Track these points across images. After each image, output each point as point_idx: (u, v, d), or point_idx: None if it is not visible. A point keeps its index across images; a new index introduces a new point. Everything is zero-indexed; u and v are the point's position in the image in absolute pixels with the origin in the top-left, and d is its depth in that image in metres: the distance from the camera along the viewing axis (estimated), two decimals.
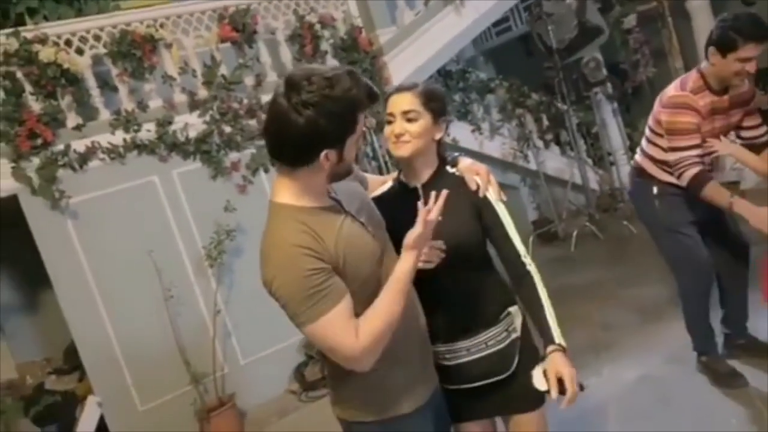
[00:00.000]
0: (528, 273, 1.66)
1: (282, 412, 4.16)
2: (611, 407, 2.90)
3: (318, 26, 4.69)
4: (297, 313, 1.32)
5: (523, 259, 1.67)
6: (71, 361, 4.68)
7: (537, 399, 1.70)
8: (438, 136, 1.72)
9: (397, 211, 1.60)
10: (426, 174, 1.72)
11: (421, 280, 1.55)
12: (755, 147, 2.63)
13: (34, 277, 4.77)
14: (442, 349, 1.70)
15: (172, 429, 4.05)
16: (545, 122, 6.20)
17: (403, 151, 1.66)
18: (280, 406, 4.25)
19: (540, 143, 6.10)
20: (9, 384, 4.14)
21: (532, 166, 5.91)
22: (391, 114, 1.68)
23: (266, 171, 4.48)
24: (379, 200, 1.72)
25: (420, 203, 1.44)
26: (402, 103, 1.66)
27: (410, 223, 1.46)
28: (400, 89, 1.71)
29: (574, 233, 5.46)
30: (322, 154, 1.33)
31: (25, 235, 4.09)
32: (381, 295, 1.39)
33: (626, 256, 4.93)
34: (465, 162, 1.77)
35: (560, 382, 1.51)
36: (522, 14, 6.58)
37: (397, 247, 1.51)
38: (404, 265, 1.41)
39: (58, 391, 4.34)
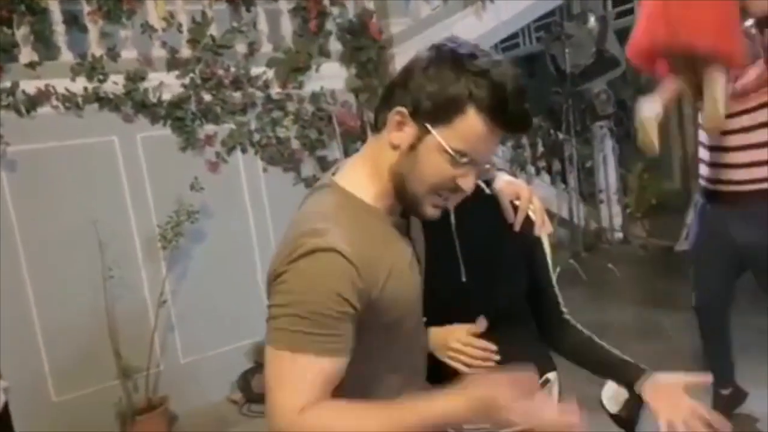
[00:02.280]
0: (567, 320, 1.41)
1: (220, 423, 3.67)
2: None
3: (327, 2, 4.19)
4: (277, 326, 0.94)
5: (562, 307, 1.41)
6: None
7: None
8: None
9: (425, 236, 1.24)
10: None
11: None
12: None
13: None
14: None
15: (87, 426, 3.49)
16: (540, 148, 5.82)
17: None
18: (218, 415, 3.75)
19: (532, 169, 5.71)
20: None
21: None
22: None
23: (243, 151, 3.94)
24: None
25: None
26: None
27: (439, 252, 1.25)
28: None
29: (557, 270, 5.06)
30: (395, 112, 0.98)
31: None
32: (374, 410, 0.95)
33: (611, 304, 4.58)
34: (501, 180, 1.35)
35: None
36: (532, 33, 6.21)
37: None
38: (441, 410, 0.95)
39: None
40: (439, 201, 1.03)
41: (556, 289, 1.40)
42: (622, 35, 5.44)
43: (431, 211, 1.03)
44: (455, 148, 0.96)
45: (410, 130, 0.98)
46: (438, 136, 0.96)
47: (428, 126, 0.96)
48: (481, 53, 1.01)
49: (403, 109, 0.97)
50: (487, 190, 1.35)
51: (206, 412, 3.76)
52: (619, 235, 5.63)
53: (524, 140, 5.59)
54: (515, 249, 1.34)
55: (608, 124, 5.51)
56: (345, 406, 0.94)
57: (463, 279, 1.31)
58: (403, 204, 1.04)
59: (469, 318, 1.29)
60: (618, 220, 5.71)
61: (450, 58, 0.99)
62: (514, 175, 4.79)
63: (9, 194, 3.38)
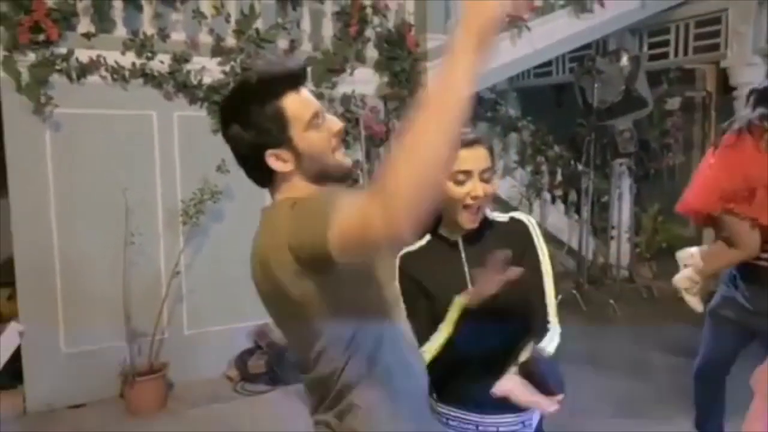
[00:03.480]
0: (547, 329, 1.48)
1: (212, 397, 3.79)
2: None
3: (369, 10, 4.33)
4: (310, 231, 1.03)
5: (549, 317, 1.49)
6: (5, 276, 4.21)
7: None
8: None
9: (435, 266, 1.43)
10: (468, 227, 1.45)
11: (458, 344, 1.38)
12: None
13: None
14: (454, 412, 1.48)
15: (92, 382, 3.66)
16: (559, 177, 5.88)
17: (474, 223, 1.43)
18: (212, 389, 3.87)
19: (548, 196, 5.77)
20: None
21: (534, 217, 5.57)
22: (466, 172, 1.38)
23: None
24: (414, 255, 1.48)
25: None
26: (479, 160, 1.40)
27: (450, 280, 1.35)
28: (474, 143, 1.39)
29: (559, 297, 5.12)
30: (268, 158, 1.18)
31: None
32: (423, 103, 0.88)
33: (606, 339, 4.60)
34: None
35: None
36: (566, 64, 6.27)
37: (434, 304, 1.34)
38: (464, 54, 0.87)
39: None
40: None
41: (548, 293, 1.49)
42: (654, 77, 5.52)
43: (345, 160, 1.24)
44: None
45: (286, 154, 1.18)
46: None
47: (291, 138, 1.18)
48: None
49: (272, 151, 1.17)
50: (498, 218, 1.50)
51: (202, 384, 3.89)
52: (625, 273, 5.64)
53: (543, 167, 5.65)
54: (515, 251, 1.41)
55: (628, 162, 5.54)
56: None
57: None
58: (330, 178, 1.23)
59: (473, 328, 1.39)
60: (626, 259, 5.73)
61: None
62: (528, 200, 4.87)
63: (50, 152, 3.57)
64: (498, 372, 1.39)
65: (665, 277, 5.55)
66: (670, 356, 3.93)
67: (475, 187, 1.38)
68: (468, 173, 1.38)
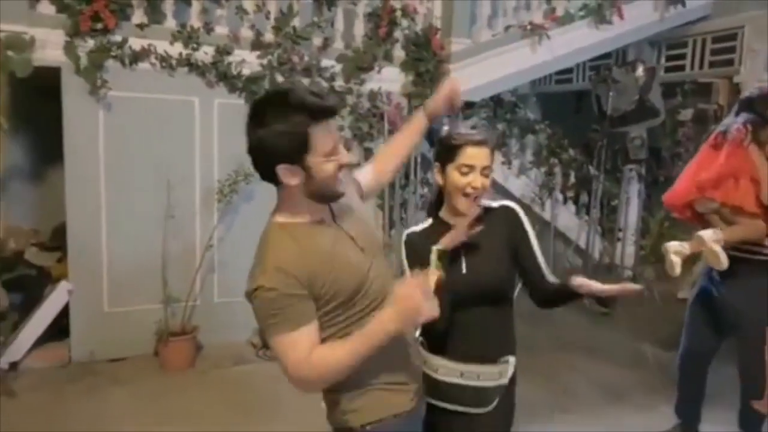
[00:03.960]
0: (546, 280, 1.70)
1: (236, 360, 4.09)
2: None
3: (399, 13, 4.54)
4: (262, 325, 1.37)
5: (544, 274, 1.70)
6: (56, 241, 4.55)
7: None
8: None
9: (435, 245, 1.61)
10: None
11: (455, 307, 1.61)
12: None
13: (45, 151, 4.65)
14: (441, 362, 1.70)
15: (130, 338, 3.98)
16: (572, 179, 6.05)
17: (471, 209, 1.65)
18: (236, 353, 4.16)
19: (560, 197, 5.95)
20: None
21: (546, 215, 5.76)
22: (470, 166, 1.63)
23: None
24: (418, 235, 1.74)
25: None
26: (483, 158, 1.65)
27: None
28: (476, 143, 1.65)
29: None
30: (279, 170, 1.33)
31: (49, 109, 3.96)
32: (353, 339, 1.34)
33: (602, 332, 4.79)
34: None
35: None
36: (586, 72, 6.41)
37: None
38: (389, 327, 1.31)
39: (35, 265, 4.20)
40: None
41: (541, 264, 1.71)
42: (669, 88, 5.65)
43: (341, 185, 1.40)
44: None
45: (297, 171, 1.34)
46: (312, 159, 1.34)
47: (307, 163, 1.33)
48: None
49: (284, 166, 1.33)
50: (495, 205, 1.74)
51: (227, 347, 4.17)
52: (629, 273, 5.80)
53: (557, 169, 5.83)
54: (504, 246, 1.70)
55: (638, 168, 5.69)
56: (331, 344, 1.36)
57: (463, 272, 1.67)
58: (324, 199, 1.42)
59: (469, 299, 1.65)
60: (630, 260, 5.88)
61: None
62: (540, 199, 5.07)
63: (102, 129, 3.87)
64: (478, 331, 1.67)
65: (666, 280, 5.71)
66: (664, 351, 4.10)
67: (475, 180, 1.62)
68: (471, 167, 1.62)
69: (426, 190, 4.79)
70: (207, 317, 4.14)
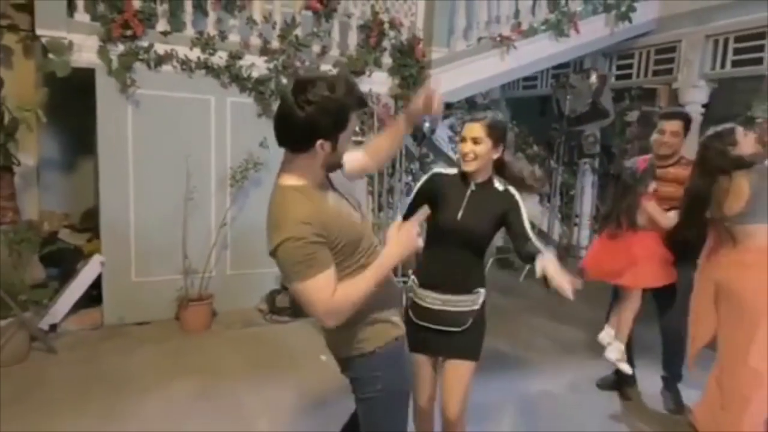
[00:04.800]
0: (530, 242, 2.04)
1: (247, 323, 4.50)
2: (511, 408, 3.33)
3: (387, 25, 4.99)
4: (290, 273, 1.51)
5: (528, 235, 2.06)
6: (86, 223, 4.95)
7: (473, 354, 2.16)
8: (495, 156, 2.11)
9: (449, 189, 2.09)
10: (479, 179, 2.13)
11: (441, 243, 2.04)
12: None
13: (75, 145, 5.04)
14: (428, 293, 2.13)
15: (154, 303, 4.36)
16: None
17: (468, 167, 2.08)
18: (246, 317, 4.58)
19: None
20: (29, 224, 4.37)
21: None
22: (464, 137, 2.08)
23: None
24: (441, 176, 2.16)
25: None
26: (472, 130, 2.07)
27: (451, 202, 2.05)
28: (473, 120, 2.10)
29: (527, 267, 5.91)
30: (318, 143, 1.50)
31: (78, 107, 4.30)
32: (366, 273, 1.59)
33: (563, 300, 5.35)
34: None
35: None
36: (549, 79, 6.98)
37: (434, 209, 2.01)
38: (392, 257, 1.62)
39: (69, 244, 4.59)
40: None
41: (527, 228, 2.07)
42: (619, 93, 6.26)
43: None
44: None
45: (328, 147, 1.54)
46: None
47: (338, 140, 1.56)
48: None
49: (323, 141, 1.52)
50: (500, 187, 2.13)
51: (238, 313, 4.61)
52: (585, 252, 6.43)
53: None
54: (495, 213, 2.10)
55: (592, 162, 6.30)
56: (350, 281, 1.58)
57: (458, 217, 2.09)
58: (332, 168, 1.66)
59: (455, 239, 2.08)
60: (585, 242, 6.51)
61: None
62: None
63: (131, 123, 4.25)
64: (459, 270, 2.12)
65: None
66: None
67: (465, 146, 2.08)
68: (464, 138, 2.09)
69: (410, 178, 5.30)
70: (221, 287, 4.56)
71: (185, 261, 4.36)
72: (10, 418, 2.93)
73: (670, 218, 3.04)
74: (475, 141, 2.06)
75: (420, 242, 1.66)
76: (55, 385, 3.37)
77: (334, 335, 1.73)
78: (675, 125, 3.14)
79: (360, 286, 1.57)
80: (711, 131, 2.82)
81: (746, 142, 2.68)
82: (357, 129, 4.95)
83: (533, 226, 6.48)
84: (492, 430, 3.02)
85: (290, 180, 1.58)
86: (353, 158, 1.85)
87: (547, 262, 1.86)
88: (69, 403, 3.14)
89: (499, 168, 2.16)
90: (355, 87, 1.56)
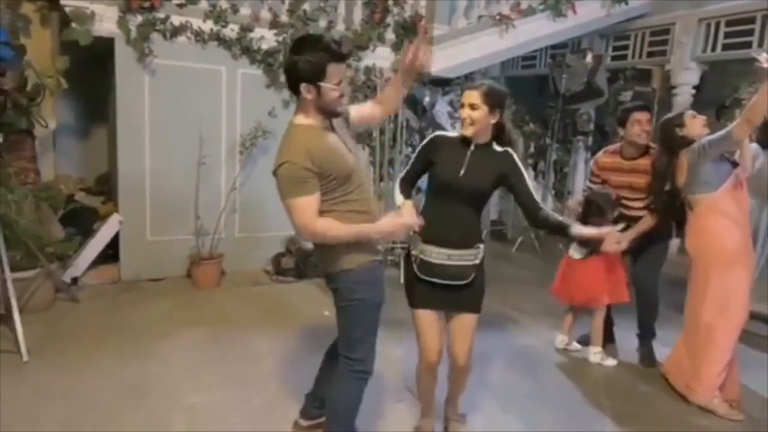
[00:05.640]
0: (538, 207, 2.19)
1: (254, 282, 4.74)
2: (499, 358, 3.58)
3: (391, 1, 5.14)
4: (285, 190, 1.84)
5: (536, 199, 2.21)
6: (100, 186, 5.16)
7: (477, 307, 2.29)
8: (493, 121, 2.19)
9: (450, 150, 2.21)
10: (480, 141, 2.24)
11: (445, 200, 2.17)
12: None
13: (92, 112, 5.22)
14: (434, 249, 2.21)
15: (168, 261, 4.59)
16: (531, 149, 6.82)
17: (467, 131, 2.19)
18: (253, 277, 4.82)
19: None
20: (47, 185, 4.55)
21: None
22: (462, 104, 2.21)
23: None
24: (443, 138, 2.27)
25: None
26: (470, 97, 2.16)
27: (452, 162, 2.18)
28: (470, 87, 2.19)
29: (519, 239, 6.14)
30: (302, 86, 1.83)
31: (96, 76, 4.46)
32: (355, 226, 1.92)
33: (551, 270, 5.55)
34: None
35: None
36: (548, 58, 7.09)
37: (433, 170, 2.22)
38: (377, 233, 1.98)
39: (85, 205, 4.80)
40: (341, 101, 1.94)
41: (532, 190, 2.16)
42: (614, 73, 6.40)
43: (340, 107, 1.96)
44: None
45: (312, 90, 1.85)
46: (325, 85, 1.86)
47: (320, 85, 1.85)
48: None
49: (305, 84, 1.84)
50: (499, 149, 2.20)
51: (246, 273, 4.85)
52: None
53: (520, 141, 6.58)
54: (494, 172, 2.17)
55: (585, 139, 6.47)
56: (333, 221, 1.89)
57: (461, 174, 2.16)
58: (327, 114, 1.94)
59: (458, 196, 2.15)
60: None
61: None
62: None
63: (148, 90, 4.43)
64: (461, 225, 2.20)
65: None
66: None
67: (464, 111, 2.15)
68: (463, 104, 2.16)
69: (410, 149, 5.49)
70: (230, 248, 4.77)
71: (197, 222, 4.56)
72: (39, 356, 3.17)
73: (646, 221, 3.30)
74: (473, 107, 2.14)
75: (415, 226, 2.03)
76: (79, 329, 3.61)
77: (323, 253, 2.03)
78: (647, 115, 3.36)
79: (341, 229, 1.90)
80: (668, 115, 3.15)
81: (694, 124, 2.95)
82: (362, 101, 5.12)
83: None
84: (482, 374, 3.26)
85: (298, 119, 1.93)
86: (361, 108, 2.17)
87: (582, 229, 2.23)
88: (92, 344, 3.38)
89: (499, 133, 2.26)
90: (331, 44, 1.86)
